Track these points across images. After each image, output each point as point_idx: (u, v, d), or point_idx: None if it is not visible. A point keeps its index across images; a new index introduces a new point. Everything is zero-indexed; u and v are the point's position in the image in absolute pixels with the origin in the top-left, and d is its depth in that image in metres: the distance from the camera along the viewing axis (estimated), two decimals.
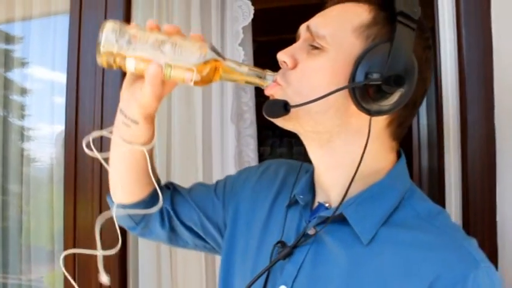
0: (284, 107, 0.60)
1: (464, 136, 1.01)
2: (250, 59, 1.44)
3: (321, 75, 0.60)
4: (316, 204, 0.68)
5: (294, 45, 0.64)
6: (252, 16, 1.35)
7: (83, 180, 1.26)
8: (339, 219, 0.61)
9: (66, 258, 1.29)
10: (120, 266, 1.28)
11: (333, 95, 0.57)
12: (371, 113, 0.58)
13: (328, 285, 0.59)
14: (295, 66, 0.62)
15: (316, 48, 0.61)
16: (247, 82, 0.66)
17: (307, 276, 0.62)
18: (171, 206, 0.81)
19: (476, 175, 0.99)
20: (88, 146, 0.70)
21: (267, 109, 0.62)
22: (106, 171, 1.22)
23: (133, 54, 0.60)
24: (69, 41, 1.31)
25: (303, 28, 0.64)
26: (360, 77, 0.57)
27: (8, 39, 1.77)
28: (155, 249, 1.40)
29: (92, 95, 1.27)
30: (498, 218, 0.96)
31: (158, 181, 0.79)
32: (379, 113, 0.59)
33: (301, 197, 0.69)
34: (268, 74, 0.65)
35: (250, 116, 1.45)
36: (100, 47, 0.59)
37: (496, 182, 0.97)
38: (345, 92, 0.58)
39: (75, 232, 1.26)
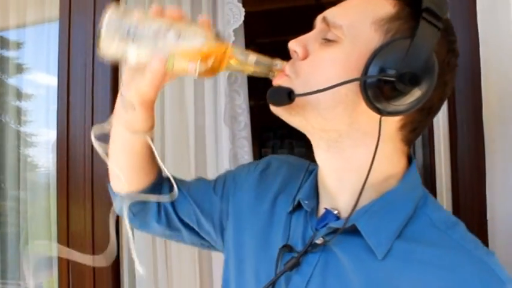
0: (288, 96, 0.56)
1: (454, 136, 1.00)
2: None
3: (332, 67, 0.55)
4: (322, 210, 0.63)
5: (307, 35, 0.60)
6: (243, 18, 1.34)
7: (76, 185, 1.26)
8: (350, 230, 0.57)
9: (60, 266, 1.29)
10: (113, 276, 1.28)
11: (343, 90, 0.54)
12: (381, 112, 0.53)
13: None
14: (306, 56, 0.58)
15: (330, 41, 0.57)
16: (255, 72, 0.61)
17: None
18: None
19: (465, 174, 0.98)
20: (97, 138, 0.70)
21: (270, 96, 0.58)
22: (98, 176, 1.24)
23: (135, 46, 0.57)
24: (59, 47, 1.31)
25: (318, 19, 0.60)
26: (373, 73, 0.53)
27: (6, 45, 1.79)
28: (151, 253, 1.40)
29: (82, 100, 1.28)
30: (488, 217, 0.95)
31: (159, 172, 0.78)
32: (390, 113, 0.54)
33: (306, 202, 0.64)
34: (277, 63, 0.61)
35: (244, 118, 1.44)
36: (101, 38, 0.56)
37: (485, 181, 0.95)
38: (356, 88, 0.54)
39: (68, 237, 1.26)
